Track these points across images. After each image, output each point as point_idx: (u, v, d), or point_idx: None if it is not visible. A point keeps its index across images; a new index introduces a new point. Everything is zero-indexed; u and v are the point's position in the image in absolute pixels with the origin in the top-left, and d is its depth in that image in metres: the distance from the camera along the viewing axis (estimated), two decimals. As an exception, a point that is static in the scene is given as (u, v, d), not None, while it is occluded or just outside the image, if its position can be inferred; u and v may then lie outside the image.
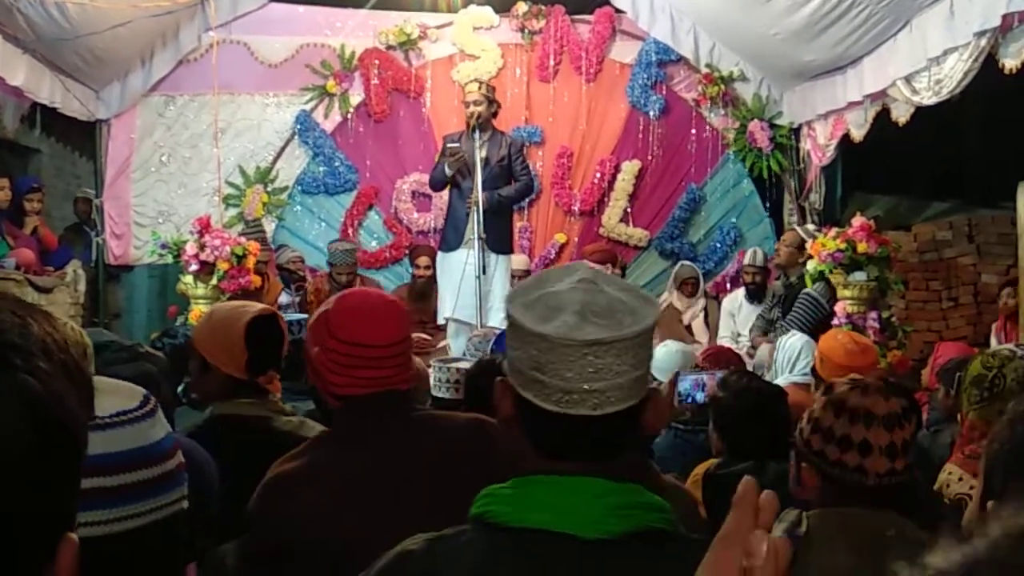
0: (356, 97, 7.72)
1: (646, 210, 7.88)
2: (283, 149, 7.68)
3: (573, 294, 1.11)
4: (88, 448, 0.69)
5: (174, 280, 6.41)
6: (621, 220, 7.84)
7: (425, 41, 7.73)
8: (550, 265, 7.49)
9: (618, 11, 7.65)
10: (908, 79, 5.46)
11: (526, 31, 7.77)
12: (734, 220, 7.87)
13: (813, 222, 7.14)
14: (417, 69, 7.76)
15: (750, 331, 6.41)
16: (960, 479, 2.56)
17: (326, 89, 7.65)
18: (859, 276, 5.71)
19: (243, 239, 6.17)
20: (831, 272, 5.73)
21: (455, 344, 5.96)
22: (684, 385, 2.53)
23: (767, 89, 7.68)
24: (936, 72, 5.13)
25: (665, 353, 3.96)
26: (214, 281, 5.94)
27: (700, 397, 2.56)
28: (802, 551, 0.72)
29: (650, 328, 1.12)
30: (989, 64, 4.67)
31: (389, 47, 7.69)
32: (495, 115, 6.18)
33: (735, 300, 6.84)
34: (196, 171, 7.58)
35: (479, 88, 6.12)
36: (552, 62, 7.78)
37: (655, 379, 3.76)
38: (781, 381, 3.93)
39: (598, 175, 7.82)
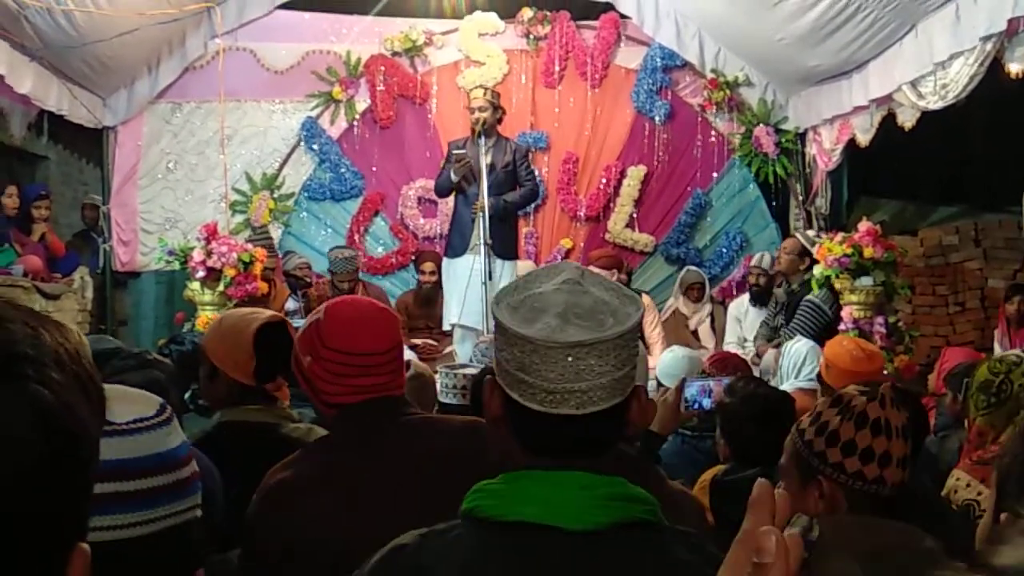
0: (362, 103, 7.74)
1: (652, 215, 7.87)
2: (289, 156, 7.70)
3: (557, 296, 1.13)
4: (105, 453, 0.70)
5: (181, 287, 6.43)
6: (627, 225, 7.83)
7: (431, 47, 7.75)
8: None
9: (623, 17, 7.65)
10: (914, 84, 5.44)
11: (531, 37, 7.78)
12: (740, 225, 7.85)
13: (819, 227, 7.12)
14: (423, 75, 7.78)
15: (755, 339, 6.38)
16: (968, 485, 2.56)
17: (332, 96, 7.67)
18: (865, 281, 5.70)
19: (250, 246, 6.19)
20: (837, 277, 5.71)
21: (461, 350, 5.96)
22: (690, 391, 2.51)
23: (773, 94, 7.66)
24: (942, 77, 5.11)
25: (671, 359, 3.96)
26: (221, 287, 5.96)
27: (707, 403, 2.55)
28: (815, 557, 0.71)
29: (633, 328, 1.13)
30: (995, 68, 4.66)
31: (395, 53, 7.71)
32: (500, 121, 6.17)
33: (741, 305, 6.81)
34: (203, 178, 7.60)
35: (484, 94, 6.11)
36: (557, 68, 7.79)
37: (662, 384, 3.77)
38: (787, 386, 3.92)
39: (604, 180, 7.82)
